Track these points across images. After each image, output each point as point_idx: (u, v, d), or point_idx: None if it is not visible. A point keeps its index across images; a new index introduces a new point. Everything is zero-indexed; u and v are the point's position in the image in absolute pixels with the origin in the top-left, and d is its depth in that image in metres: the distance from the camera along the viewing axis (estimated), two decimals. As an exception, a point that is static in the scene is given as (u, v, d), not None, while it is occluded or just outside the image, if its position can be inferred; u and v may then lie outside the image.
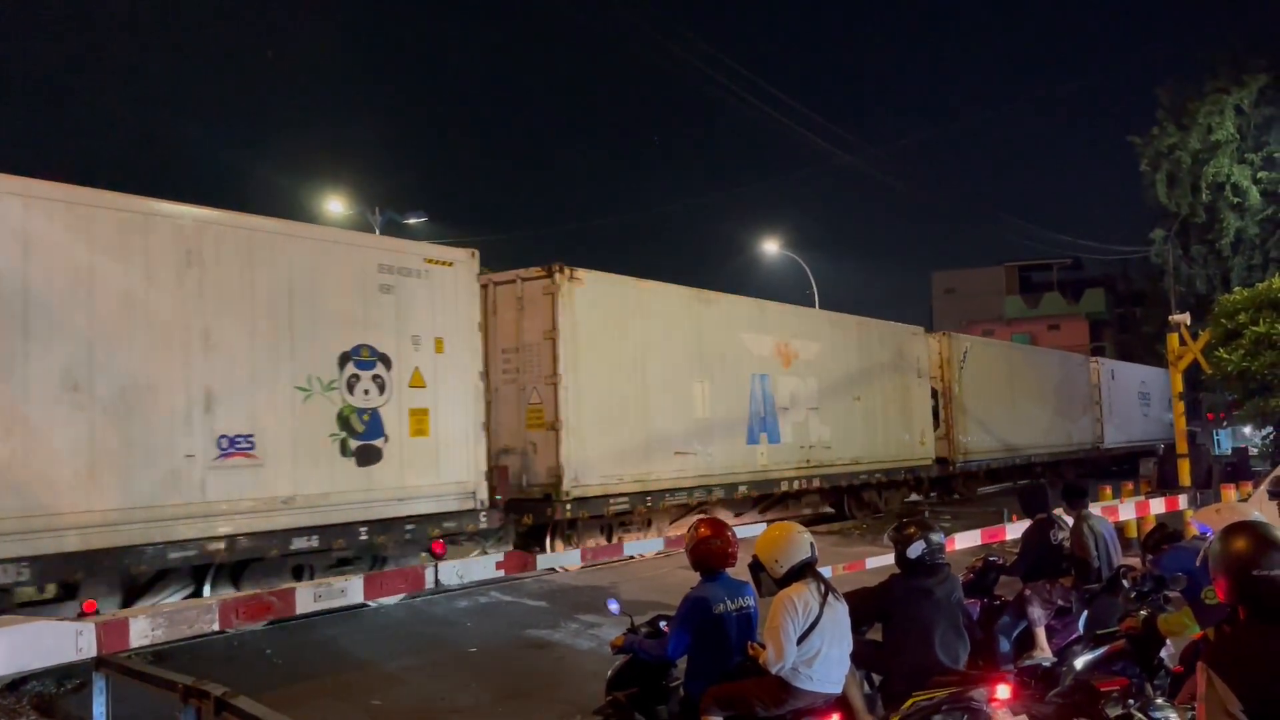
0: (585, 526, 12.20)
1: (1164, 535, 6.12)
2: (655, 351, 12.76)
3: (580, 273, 11.84)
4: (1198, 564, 4.59)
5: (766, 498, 15.41)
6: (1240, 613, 2.47)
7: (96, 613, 7.20)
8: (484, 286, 11.20)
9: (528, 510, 11.44)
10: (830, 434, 16.12)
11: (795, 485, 15.33)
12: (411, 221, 24.77)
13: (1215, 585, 2.57)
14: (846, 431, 16.56)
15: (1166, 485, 18.47)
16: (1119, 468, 28.59)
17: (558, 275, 11.52)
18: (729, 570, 4.62)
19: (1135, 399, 31.74)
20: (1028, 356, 26.11)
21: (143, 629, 5.17)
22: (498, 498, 10.27)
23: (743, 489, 14.22)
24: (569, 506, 11.31)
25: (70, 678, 6.95)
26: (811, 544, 4.33)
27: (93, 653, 4.87)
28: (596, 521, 12.28)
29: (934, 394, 19.94)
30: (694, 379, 13.39)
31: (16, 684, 6.85)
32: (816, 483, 15.74)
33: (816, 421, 15.83)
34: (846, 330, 17.34)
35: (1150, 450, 31.10)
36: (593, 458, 11.62)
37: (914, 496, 20.55)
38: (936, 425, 19.83)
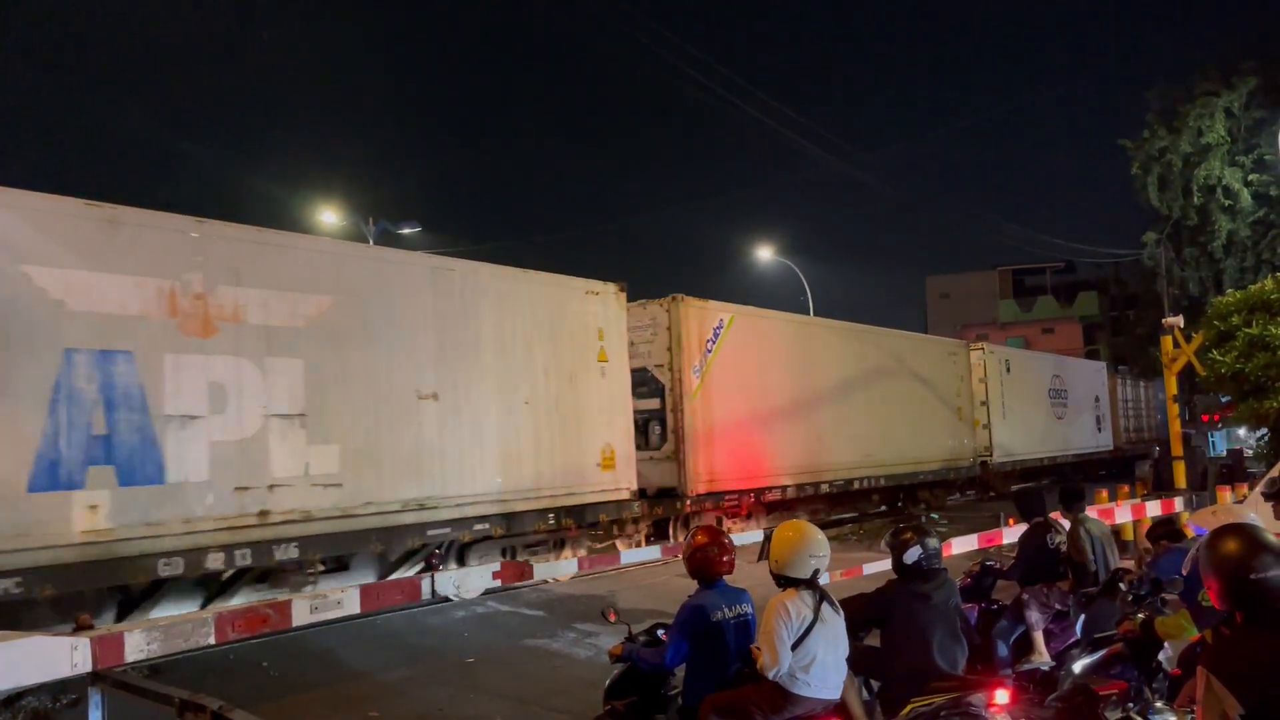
0: None
1: (1167, 530, 6.11)
2: None
3: None
4: (1184, 571, 4.58)
5: (126, 594, 8.00)
6: (1237, 616, 2.47)
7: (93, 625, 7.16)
8: None
9: None
10: (341, 461, 8.98)
11: (218, 561, 7.98)
12: (405, 231, 24.80)
13: (1208, 590, 2.56)
14: (398, 453, 9.51)
15: (1162, 487, 18.50)
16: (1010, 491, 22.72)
17: None
18: (726, 578, 4.62)
19: (1044, 399, 24.67)
20: (849, 338, 17.64)
21: (138, 643, 5.13)
22: None
23: (8, 585, 6.80)
24: None
25: (66, 692, 6.92)
26: (816, 569, 4.22)
27: (88, 667, 4.83)
28: None
29: (659, 392, 13.43)
30: None
31: (11, 699, 6.82)
32: (294, 551, 8.54)
33: (301, 439, 8.72)
34: (402, 277, 9.89)
35: (1063, 467, 25.04)
36: None
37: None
38: (662, 439, 13.39)
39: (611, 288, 12.50)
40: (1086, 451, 27.14)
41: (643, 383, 13.49)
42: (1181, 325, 16.10)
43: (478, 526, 10.25)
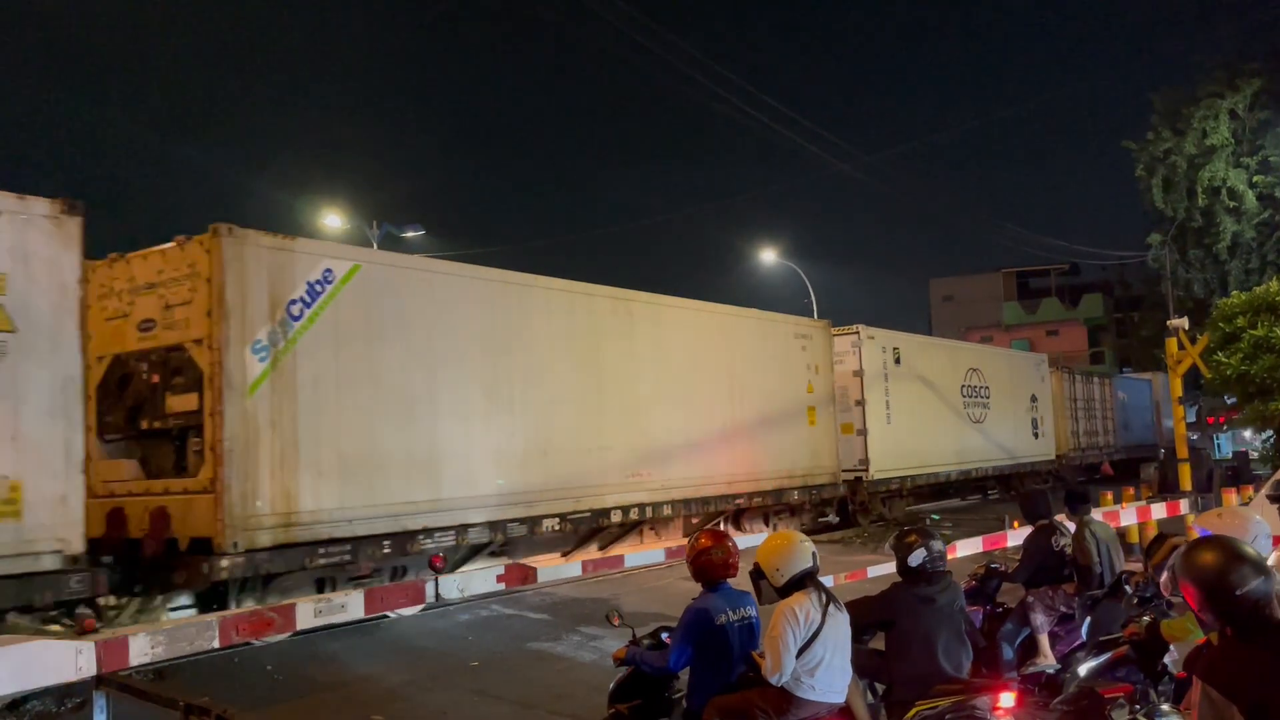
0: None
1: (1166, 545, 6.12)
2: None
3: None
4: (1164, 588, 4.55)
5: None
6: (1227, 630, 2.46)
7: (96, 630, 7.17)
8: None
9: None
10: None
11: None
12: (409, 234, 24.87)
13: (1190, 605, 2.52)
14: None
15: (1168, 490, 18.44)
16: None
17: None
18: (730, 580, 4.62)
19: (955, 398, 19.97)
20: (607, 310, 12.22)
21: (142, 646, 5.13)
22: None
23: None
24: None
25: (71, 696, 6.93)
26: (814, 553, 4.30)
27: (92, 671, 4.84)
28: None
29: (199, 384, 8.42)
30: None
31: (17, 703, 6.83)
32: None
33: None
34: None
35: (982, 482, 21.69)
36: None
37: None
38: (201, 461, 8.29)
39: (39, 206, 7.09)
40: (1015, 462, 22.07)
41: (179, 369, 8.61)
42: (1186, 327, 16.04)
43: None
